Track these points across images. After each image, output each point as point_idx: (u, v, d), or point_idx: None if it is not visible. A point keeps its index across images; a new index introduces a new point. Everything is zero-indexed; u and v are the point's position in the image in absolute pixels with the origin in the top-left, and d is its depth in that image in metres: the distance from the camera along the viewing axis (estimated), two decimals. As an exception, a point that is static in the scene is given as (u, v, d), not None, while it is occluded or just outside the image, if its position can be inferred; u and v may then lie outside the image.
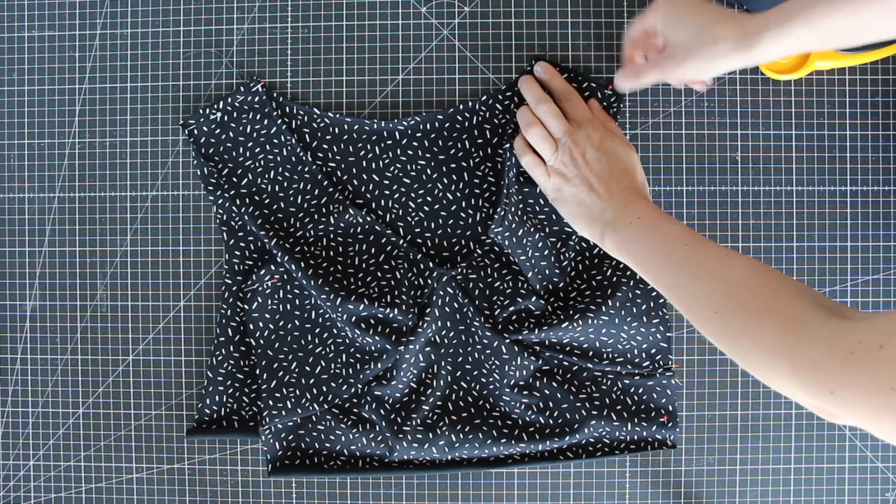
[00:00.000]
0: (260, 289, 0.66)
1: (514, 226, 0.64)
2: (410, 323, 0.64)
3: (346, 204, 0.67)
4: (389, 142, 0.68)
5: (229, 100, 0.67)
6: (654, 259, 0.56)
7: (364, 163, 0.68)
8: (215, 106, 0.67)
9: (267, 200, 0.67)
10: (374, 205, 0.68)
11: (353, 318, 0.64)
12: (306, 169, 0.67)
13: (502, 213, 0.63)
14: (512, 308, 0.65)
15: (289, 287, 0.66)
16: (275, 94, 0.68)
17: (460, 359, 0.66)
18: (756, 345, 0.49)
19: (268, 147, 0.67)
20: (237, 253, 0.68)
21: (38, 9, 0.70)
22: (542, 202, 0.66)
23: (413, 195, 0.68)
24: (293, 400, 0.65)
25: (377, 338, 0.64)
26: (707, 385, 0.68)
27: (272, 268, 0.66)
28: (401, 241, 0.66)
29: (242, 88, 0.67)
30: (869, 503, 0.68)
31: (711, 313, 0.52)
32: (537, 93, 0.64)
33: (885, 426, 0.42)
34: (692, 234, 0.56)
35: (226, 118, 0.67)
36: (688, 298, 0.54)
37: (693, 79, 0.58)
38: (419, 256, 0.66)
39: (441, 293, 0.66)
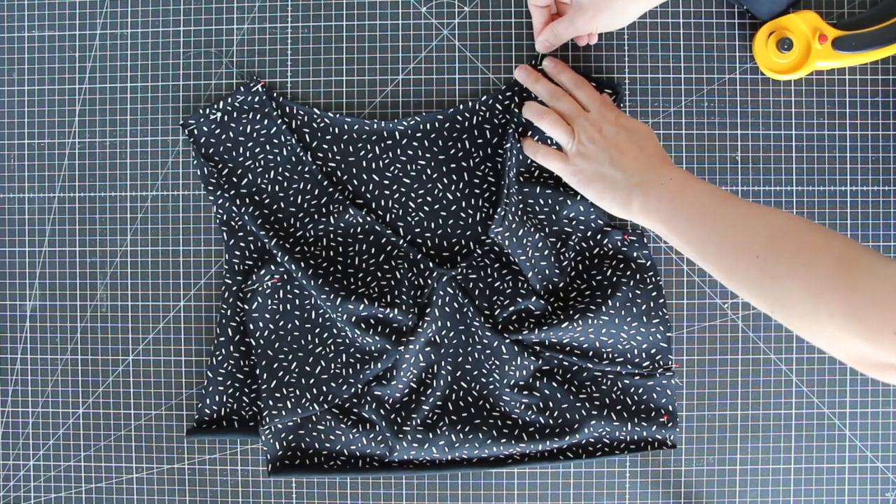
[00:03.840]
0: (260, 289, 0.66)
1: (514, 226, 0.64)
2: (410, 323, 0.64)
3: (346, 204, 0.67)
4: (389, 142, 0.68)
5: (229, 100, 0.67)
6: (686, 216, 0.55)
7: (364, 163, 0.68)
8: (215, 106, 0.67)
9: (267, 200, 0.67)
10: (374, 205, 0.68)
11: (353, 318, 0.64)
12: (306, 169, 0.67)
13: (502, 213, 0.63)
14: (512, 308, 0.65)
15: (289, 287, 0.66)
16: (275, 94, 0.68)
17: (460, 359, 0.66)
18: (804, 285, 0.47)
19: (268, 147, 0.67)
20: (237, 253, 0.68)
21: (38, 9, 0.70)
22: (542, 202, 0.66)
23: (413, 195, 0.68)
24: (293, 400, 0.65)
25: (377, 338, 0.64)
26: (707, 385, 0.68)
27: (272, 268, 0.66)
28: (401, 241, 0.66)
29: (242, 88, 0.67)
30: (869, 503, 0.68)
31: (752, 258, 0.50)
32: (550, 86, 0.65)
33: None
34: (728, 193, 0.56)
35: (226, 118, 0.67)
36: (723, 248, 0.52)
37: (602, 30, 0.63)
38: (419, 256, 0.66)
39: (441, 293, 0.66)
